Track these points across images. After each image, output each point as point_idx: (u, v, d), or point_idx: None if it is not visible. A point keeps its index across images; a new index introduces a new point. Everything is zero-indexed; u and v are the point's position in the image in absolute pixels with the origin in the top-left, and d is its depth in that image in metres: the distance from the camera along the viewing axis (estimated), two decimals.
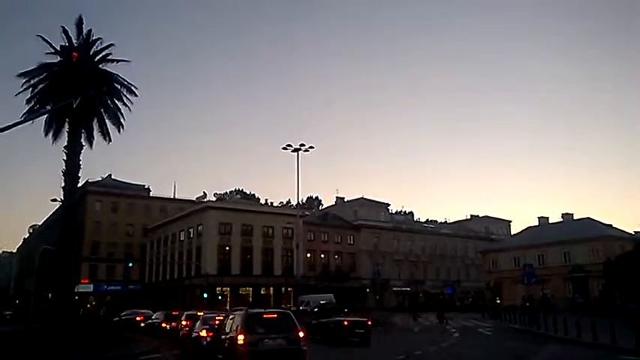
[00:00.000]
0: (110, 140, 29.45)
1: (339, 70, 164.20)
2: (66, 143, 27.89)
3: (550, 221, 70.97)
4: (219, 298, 60.32)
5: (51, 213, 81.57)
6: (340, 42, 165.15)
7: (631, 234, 64.99)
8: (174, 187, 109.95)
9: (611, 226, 63.39)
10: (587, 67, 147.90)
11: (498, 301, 60.59)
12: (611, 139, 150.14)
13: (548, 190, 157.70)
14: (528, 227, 73.96)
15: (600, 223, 62.95)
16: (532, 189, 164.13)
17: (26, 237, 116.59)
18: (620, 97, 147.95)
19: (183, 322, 24.16)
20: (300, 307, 49.77)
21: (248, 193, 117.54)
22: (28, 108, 27.37)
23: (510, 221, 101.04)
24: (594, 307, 43.05)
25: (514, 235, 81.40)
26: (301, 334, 13.34)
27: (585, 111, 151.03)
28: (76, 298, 47.25)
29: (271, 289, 66.15)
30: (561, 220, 68.72)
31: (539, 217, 73.08)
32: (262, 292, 65.12)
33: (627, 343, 18.10)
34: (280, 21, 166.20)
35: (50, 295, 32.12)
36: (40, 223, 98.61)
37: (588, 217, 64.73)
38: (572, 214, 68.07)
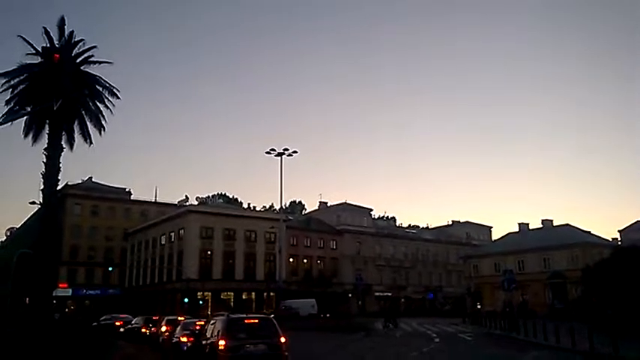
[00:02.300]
0: (91, 143, 29.25)
1: (323, 75, 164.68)
2: (46, 145, 27.62)
3: (530, 227, 71.74)
4: (201, 303, 59.82)
5: (29, 216, 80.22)
6: (325, 48, 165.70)
7: (609, 241, 66.15)
8: (156, 190, 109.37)
9: (589, 232, 64.40)
10: (567, 71, 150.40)
11: (479, 307, 61.09)
12: (592, 146, 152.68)
13: (528, 197, 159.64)
14: (509, 233, 74.73)
15: (579, 229, 63.89)
16: (513, 195, 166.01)
17: (3, 240, 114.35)
18: (604, 104, 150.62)
19: (164, 328, 23.95)
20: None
21: (231, 197, 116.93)
22: (7, 109, 27.04)
23: (491, 227, 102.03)
24: (573, 313, 43.53)
25: (495, 240, 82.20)
26: (283, 340, 13.28)
27: (565, 118, 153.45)
28: (54, 302, 46.54)
29: (253, 294, 65.81)
30: (541, 226, 69.52)
31: (519, 224, 73.83)
32: (244, 297, 64.77)
33: (605, 349, 18.34)
34: (265, 26, 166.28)
35: (27, 299, 31.59)
36: (17, 226, 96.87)
37: (567, 224, 65.64)
38: (552, 221, 68.97)
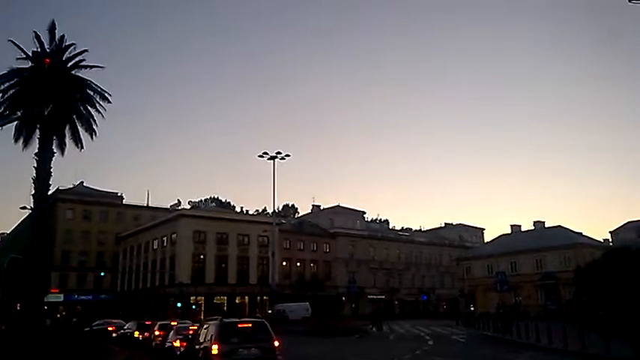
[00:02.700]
0: (82, 147, 29.10)
1: (315, 79, 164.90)
2: (37, 150, 27.45)
3: (522, 229, 72.10)
4: (194, 307, 59.58)
5: (20, 221, 79.73)
6: (318, 51, 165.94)
7: (600, 242, 66.53)
8: (148, 194, 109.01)
9: (581, 234, 64.75)
10: (556, 73, 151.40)
11: (472, 309, 61.26)
12: (583, 148, 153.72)
13: (520, 199, 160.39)
14: (501, 235, 74.99)
15: (571, 231, 64.22)
16: (505, 197, 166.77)
17: None
18: (596, 104, 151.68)
19: (157, 332, 23.86)
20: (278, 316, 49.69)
21: (223, 201, 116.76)
22: None
23: (484, 229, 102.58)
24: (565, 314, 43.78)
25: (487, 242, 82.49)
26: (276, 344, 13.28)
27: (558, 119, 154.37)
28: (46, 308, 46.16)
29: (246, 297, 65.64)
30: (533, 228, 69.82)
31: (511, 225, 74.20)
32: (237, 301, 64.57)
33: (597, 350, 18.45)
34: (256, 29, 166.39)
35: (18, 305, 31.39)
36: (8, 232, 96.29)
37: (559, 226, 65.94)
38: (544, 222, 69.28)
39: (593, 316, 33.15)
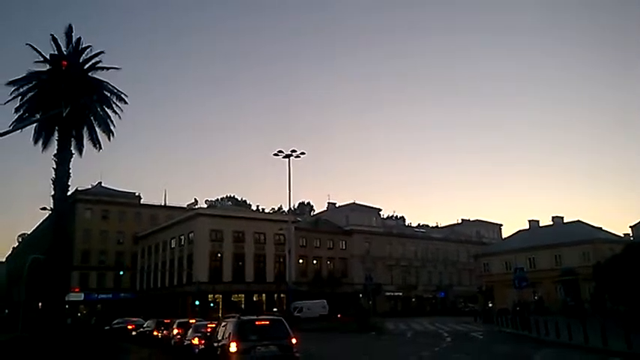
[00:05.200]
0: (100, 148, 29.36)
1: (330, 77, 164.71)
2: (55, 151, 27.79)
3: (540, 224, 71.23)
4: (212, 305, 59.99)
5: (41, 221, 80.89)
6: (332, 48, 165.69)
7: (620, 236, 65.43)
8: (165, 194, 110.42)
9: (600, 229, 63.78)
10: (576, 68, 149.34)
11: (491, 305, 60.77)
12: (601, 142, 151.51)
13: (538, 194, 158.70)
14: (519, 231, 74.22)
15: (590, 226, 63.34)
16: (522, 192, 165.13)
17: (15, 246, 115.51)
18: (613, 100, 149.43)
19: (175, 331, 24.07)
20: (295, 314, 49.74)
21: (239, 199, 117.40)
22: (17, 116, 27.21)
23: (501, 225, 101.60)
24: (585, 310, 43.21)
25: (505, 238, 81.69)
26: (294, 341, 13.29)
27: (576, 114, 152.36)
28: (67, 307, 46.75)
29: (264, 295, 65.93)
30: (552, 223, 69.00)
31: (529, 221, 73.30)
32: (255, 299, 64.88)
33: (618, 345, 18.18)
34: (271, 27, 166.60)
35: (40, 304, 31.85)
36: (29, 232, 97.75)
37: (578, 220, 65.08)
38: (563, 218, 68.43)
39: (614, 311, 32.69)
